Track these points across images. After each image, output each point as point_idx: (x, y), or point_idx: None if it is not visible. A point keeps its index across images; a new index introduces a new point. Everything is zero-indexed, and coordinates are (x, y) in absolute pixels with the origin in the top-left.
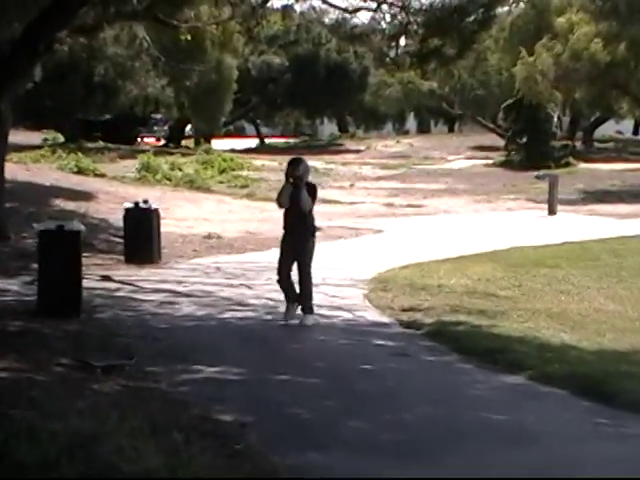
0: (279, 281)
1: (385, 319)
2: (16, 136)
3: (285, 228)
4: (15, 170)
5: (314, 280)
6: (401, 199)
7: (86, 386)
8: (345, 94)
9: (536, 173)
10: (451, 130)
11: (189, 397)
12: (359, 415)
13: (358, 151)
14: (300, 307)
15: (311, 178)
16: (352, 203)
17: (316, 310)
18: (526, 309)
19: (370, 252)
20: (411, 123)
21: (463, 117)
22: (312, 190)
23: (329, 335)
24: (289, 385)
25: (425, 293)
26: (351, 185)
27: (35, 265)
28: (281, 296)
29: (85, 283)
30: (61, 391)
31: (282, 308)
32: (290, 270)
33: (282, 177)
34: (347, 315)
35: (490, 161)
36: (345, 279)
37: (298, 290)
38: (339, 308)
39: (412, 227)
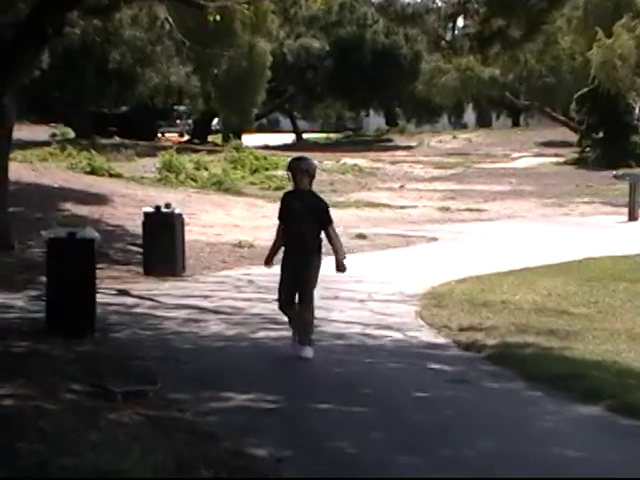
0: (281, 308)
1: (441, 340)
2: (21, 131)
3: (285, 246)
4: (20, 170)
5: (359, 295)
6: (458, 203)
7: (101, 416)
8: (394, 83)
9: (614, 172)
10: (516, 124)
11: (218, 428)
12: (411, 450)
13: (409, 148)
14: (298, 339)
15: (357, 179)
16: (402, 207)
17: (362, 329)
18: (603, 329)
19: (423, 263)
20: (469, 116)
21: (530, 109)
22: (326, 207)
23: (377, 358)
24: (331, 415)
25: (486, 310)
26: (401, 187)
27: (43, 278)
28: (321, 313)
29: (99, 298)
30: (73, 421)
31: (324, 326)
32: (294, 297)
33: (323, 176)
34: (397, 335)
35: (561, 159)
36: (394, 294)
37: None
38: (388, 327)
39: (471, 234)
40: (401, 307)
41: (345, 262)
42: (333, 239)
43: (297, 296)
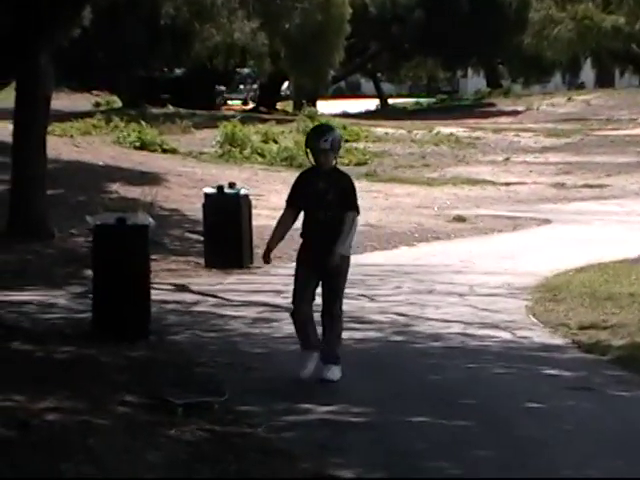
0: (294, 314)
1: (557, 340)
2: (60, 100)
3: (304, 235)
4: (59, 146)
5: (459, 288)
6: (575, 178)
7: (159, 432)
8: (496, 36)
9: None
10: None
11: (295, 446)
12: (524, 470)
13: (515, 113)
14: (321, 356)
15: (453, 151)
16: (508, 184)
17: (463, 329)
18: None
19: (534, 250)
20: (587, 74)
21: None
22: (351, 188)
23: (480, 362)
24: (428, 429)
25: (612, 305)
26: (506, 159)
27: (88, 272)
28: (414, 310)
29: (154, 295)
30: (126, 438)
31: (417, 325)
32: (312, 299)
33: (413, 148)
34: (505, 335)
35: None
36: (501, 287)
37: (321, 331)
38: (494, 326)
39: (591, 215)
40: (509, 302)
41: (334, 261)
42: (346, 226)
43: (321, 301)
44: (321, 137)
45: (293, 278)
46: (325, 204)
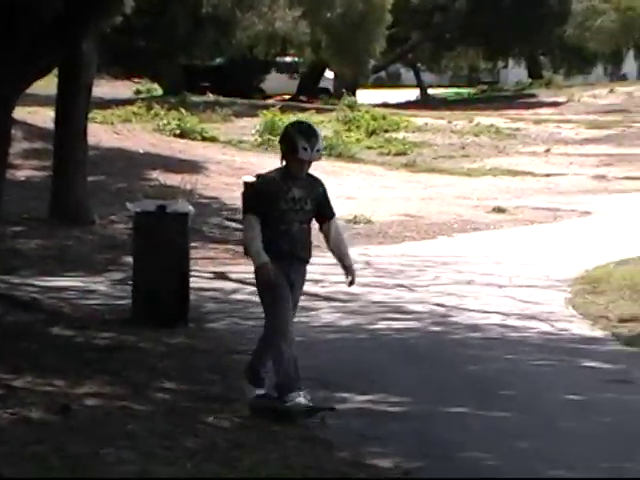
0: (284, 345)
1: (597, 333)
2: (100, 87)
3: (273, 250)
4: (100, 133)
5: (498, 279)
6: (617, 169)
7: (198, 419)
8: (538, 26)
9: None
10: None
11: (334, 435)
12: (563, 462)
13: (556, 104)
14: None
15: (493, 142)
16: (548, 175)
17: (502, 320)
18: None
19: (574, 241)
20: (630, 65)
21: None
22: (327, 193)
23: (520, 354)
24: (467, 420)
25: None
26: (547, 151)
27: (128, 258)
28: (453, 300)
29: (193, 282)
30: (167, 425)
31: (456, 316)
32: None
33: (453, 139)
34: (544, 327)
35: None
36: (540, 278)
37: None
38: (533, 317)
39: (632, 208)
40: (548, 294)
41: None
42: (340, 236)
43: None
44: (317, 143)
45: (268, 302)
46: (300, 214)
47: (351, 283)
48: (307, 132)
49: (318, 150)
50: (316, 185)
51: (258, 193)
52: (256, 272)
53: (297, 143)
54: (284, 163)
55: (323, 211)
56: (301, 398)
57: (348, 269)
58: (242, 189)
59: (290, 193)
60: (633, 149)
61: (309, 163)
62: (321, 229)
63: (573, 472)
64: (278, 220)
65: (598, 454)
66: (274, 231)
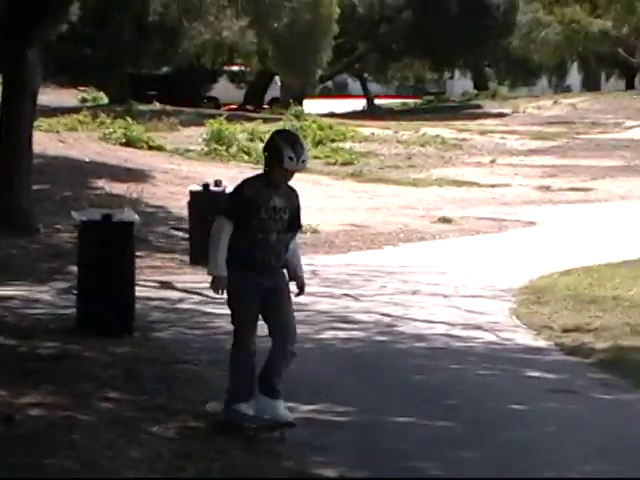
0: (248, 355)
1: (541, 343)
2: (46, 95)
3: (245, 258)
4: (45, 141)
5: (443, 289)
6: (561, 181)
7: (142, 428)
8: (484, 38)
9: None
10: (630, 86)
11: (279, 444)
12: (507, 472)
13: (501, 115)
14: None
15: (439, 152)
16: (493, 186)
17: (447, 330)
18: None
19: (519, 252)
20: (574, 77)
21: None
22: (299, 205)
23: (465, 364)
24: (412, 430)
25: (595, 308)
26: (492, 161)
27: (73, 268)
28: (399, 311)
29: (139, 292)
30: (110, 435)
31: (401, 326)
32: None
33: (400, 149)
34: (489, 337)
35: None
36: (485, 288)
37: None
38: (478, 327)
39: (576, 218)
40: (493, 304)
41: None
42: (297, 251)
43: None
44: (303, 153)
45: (234, 311)
46: (279, 225)
47: (299, 293)
48: (293, 141)
49: (304, 161)
50: (293, 196)
51: (243, 200)
52: (213, 280)
53: (283, 152)
54: (266, 171)
55: (294, 222)
56: (250, 410)
57: (299, 279)
58: (188, 198)
59: (271, 202)
60: (577, 160)
61: (292, 173)
62: None
63: None
64: (256, 229)
65: (541, 463)
66: (251, 240)
